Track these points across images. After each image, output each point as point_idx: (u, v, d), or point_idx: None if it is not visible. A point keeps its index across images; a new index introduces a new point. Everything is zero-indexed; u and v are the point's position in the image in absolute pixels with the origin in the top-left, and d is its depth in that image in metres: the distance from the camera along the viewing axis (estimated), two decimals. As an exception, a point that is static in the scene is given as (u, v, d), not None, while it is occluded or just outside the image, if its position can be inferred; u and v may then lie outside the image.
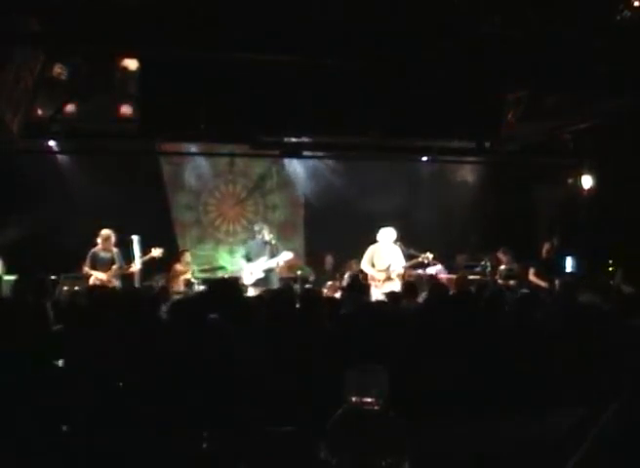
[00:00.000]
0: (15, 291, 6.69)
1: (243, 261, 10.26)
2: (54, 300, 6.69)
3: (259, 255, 10.01)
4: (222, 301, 5.21)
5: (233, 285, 6.18)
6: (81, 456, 3.63)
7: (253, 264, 10.01)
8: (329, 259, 11.23)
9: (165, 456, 3.60)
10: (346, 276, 8.60)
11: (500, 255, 10.33)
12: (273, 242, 10.09)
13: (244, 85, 8.43)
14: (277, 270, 10.11)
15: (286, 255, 9.96)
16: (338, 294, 7.97)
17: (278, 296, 5.45)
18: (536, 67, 8.34)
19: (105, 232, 9.50)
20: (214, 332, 4.61)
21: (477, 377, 4.19)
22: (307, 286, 10.13)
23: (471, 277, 9.72)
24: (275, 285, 9.53)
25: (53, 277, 7.70)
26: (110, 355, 4.24)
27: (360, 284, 7.31)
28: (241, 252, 10.84)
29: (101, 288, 7.39)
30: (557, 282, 8.19)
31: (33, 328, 4.75)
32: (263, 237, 10.09)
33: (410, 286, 7.14)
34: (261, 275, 9.93)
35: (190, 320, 4.70)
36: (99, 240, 9.41)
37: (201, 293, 8.09)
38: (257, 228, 10.41)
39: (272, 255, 9.97)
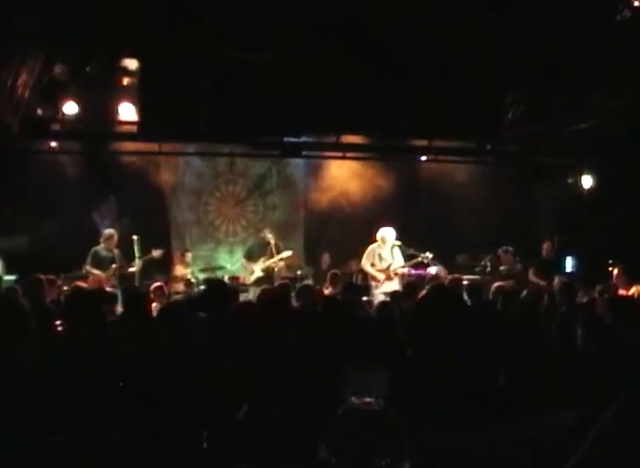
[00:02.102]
0: (9, 290, 6.66)
1: (244, 260, 10.42)
2: (53, 300, 6.68)
3: (260, 255, 10.25)
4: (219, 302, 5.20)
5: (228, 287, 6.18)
6: (82, 456, 3.63)
7: (253, 264, 10.21)
8: (325, 259, 11.21)
9: (165, 456, 3.60)
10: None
11: (501, 255, 10.32)
12: (274, 242, 10.26)
13: (243, 85, 8.43)
14: (277, 269, 10.21)
15: (284, 254, 10.23)
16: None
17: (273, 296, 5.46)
18: (536, 67, 8.35)
19: (108, 231, 9.58)
20: (212, 333, 4.61)
21: (477, 377, 4.19)
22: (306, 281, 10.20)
23: (471, 277, 9.71)
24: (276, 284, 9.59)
25: (53, 277, 7.68)
26: (110, 355, 4.23)
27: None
28: (242, 250, 11.08)
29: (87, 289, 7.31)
30: (557, 282, 8.17)
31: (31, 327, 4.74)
32: (265, 237, 10.35)
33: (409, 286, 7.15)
34: (261, 274, 10.11)
35: (188, 320, 4.71)
36: (101, 239, 9.44)
37: (198, 295, 8.12)
38: (260, 227, 10.80)
39: (273, 255, 10.20)
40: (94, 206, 10.83)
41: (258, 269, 10.19)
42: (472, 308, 5.77)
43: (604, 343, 4.56)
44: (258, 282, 9.94)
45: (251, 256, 10.39)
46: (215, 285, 5.24)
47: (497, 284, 7.12)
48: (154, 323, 4.96)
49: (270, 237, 10.32)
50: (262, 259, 10.22)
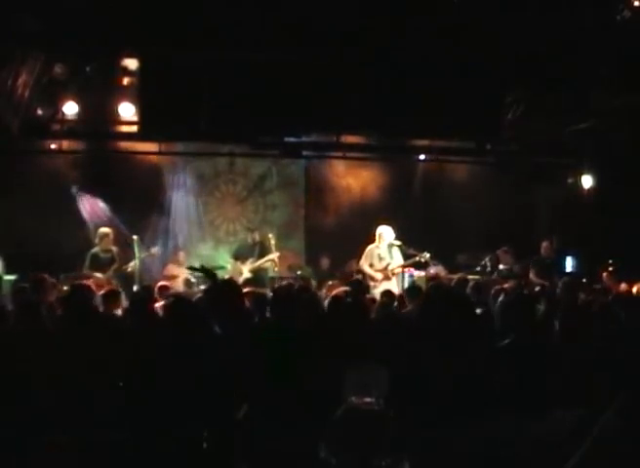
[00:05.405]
0: (13, 290, 6.68)
1: (232, 261, 10.50)
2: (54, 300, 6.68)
3: (248, 256, 10.29)
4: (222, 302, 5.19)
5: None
6: (82, 456, 3.63)
7: (242, 265, 10.26)
8: (324, 261, 11.24)
9: (165, 456, 3.59)
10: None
11: (500, 255, 10.31)
12: (273, 242, 10.23)
13: (243, 85, 8.43)
14: (272, 270, 10.24)
15: (272, 255, 10.20)
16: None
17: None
18: (536, 67, 8.36)
19: (103, 231, 9.50)
20: (213, 332, 4.61)
21: (477, 378, 4.19)
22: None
23: (471, 277, 9.69)
24: (266, 285, 9.57)
25: (53, 277, 7.68)
26: (110, 355, 4.23)
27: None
28: (230, 251, 11.07)
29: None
30: (557, 282, 8.18)
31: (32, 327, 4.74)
32: (254, 238, 10.45)
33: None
34: (249, 275, 10.11)
35: (189, 320, 4.70)
36: (97, 240, 9.40)
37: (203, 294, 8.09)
38: (249, 227, 11.01)
39: (261, 256, 10.24)
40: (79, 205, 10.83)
41: (246, 270, 10.18)
42: (473, 308, 5.76)
43: (604, 343, 4.56)
44: (246, 283, 9.92)
45: (239, 257, 10.38)
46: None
47: (497, 286, 7.11)
48: (156, 322, 4.96)
49: (258, 238, 10.37)
50: (250, 260, 10.23)
